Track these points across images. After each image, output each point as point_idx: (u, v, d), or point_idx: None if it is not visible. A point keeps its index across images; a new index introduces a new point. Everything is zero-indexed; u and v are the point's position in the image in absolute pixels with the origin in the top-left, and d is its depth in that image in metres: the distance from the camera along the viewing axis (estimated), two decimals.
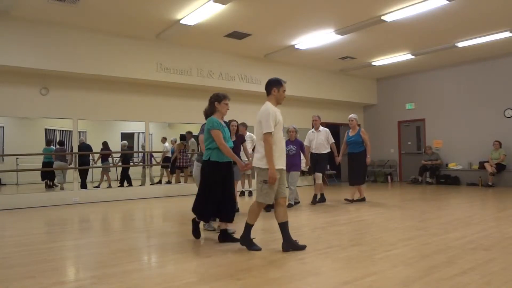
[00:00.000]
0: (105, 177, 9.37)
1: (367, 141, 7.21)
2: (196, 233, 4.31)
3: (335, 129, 13.06)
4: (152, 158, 9.89)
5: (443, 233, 4.45)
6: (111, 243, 4.26)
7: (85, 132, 9.50)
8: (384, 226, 4.90)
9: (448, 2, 6.65)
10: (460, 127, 11.17)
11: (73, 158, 8.45)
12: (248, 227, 3.80)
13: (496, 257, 3.41)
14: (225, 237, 4.16)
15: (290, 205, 6.67)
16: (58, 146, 9.13)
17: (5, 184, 9.56)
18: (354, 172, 7.33)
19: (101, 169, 9.44)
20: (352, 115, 7.45)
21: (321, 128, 7.30)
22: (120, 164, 9.81)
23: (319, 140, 7.16)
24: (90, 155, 9.28)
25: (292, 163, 6.52)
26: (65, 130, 8.93)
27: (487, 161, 10.14)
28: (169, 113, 9.37)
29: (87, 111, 8.32)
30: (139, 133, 9.77)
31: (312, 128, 7.40)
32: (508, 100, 10.24)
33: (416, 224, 5.07)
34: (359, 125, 7.39)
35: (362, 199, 7.43)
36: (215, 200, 4.06)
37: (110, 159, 9.75)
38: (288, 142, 6.69)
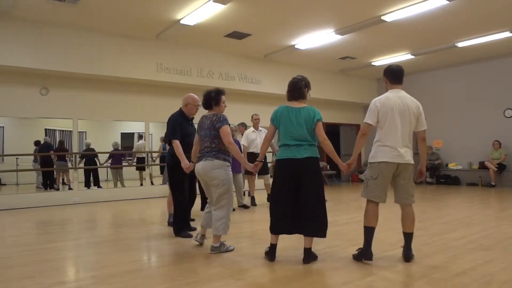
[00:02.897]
0: (65, 178, 8.92)
1: None
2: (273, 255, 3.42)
3: (336, 130, 13.08)
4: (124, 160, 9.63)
5: (443, 233, 4.45)
6: (111, 243, 4.26)
7: (85, 132, 9.49)
8: (384, 226, 4.89)
9: (448, 2, 6.65)
10: (460, 127, 11.16)
11: (71, 157, 8.45)
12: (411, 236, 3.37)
13: (496, 257, 3.41)
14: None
15: (246, 207, 6.72)
16: (35, 147, 8.81)
17: (5, 184, 9.55)
18: None
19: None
20: None
21: (260, 128, 7.14)
22: (82, 164, 9.04)
23: (262, 140, 6.93)
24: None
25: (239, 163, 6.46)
26: (65, 130, 8.90)
27: (487, 161, 10.16)
28: (169, 113, 9.20)
29: (87, 111, 8.32)
30: (139, 133, 9.72)
31: (252, 127, 7.19)
32: (508, 100, 10.24)
33: (416, 224, 5.02)
34: None
35: None
36: None
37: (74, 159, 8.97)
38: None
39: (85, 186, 8.83)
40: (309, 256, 3.30)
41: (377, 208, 3.33)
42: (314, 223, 3.24)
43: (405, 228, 3.36)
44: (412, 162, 3.28)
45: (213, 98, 3.80)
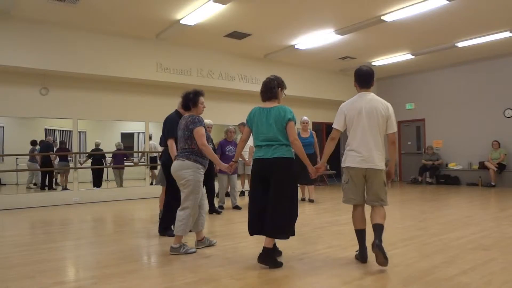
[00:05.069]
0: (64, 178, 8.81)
1: (316, 144, 7.44)
2: (276, 262, 3.23)
3: None
4: (124, 160, 9.55)
5: (443, 233, 4.46)
6: (111, 243, 4.26)
7: (85, 132, 9.47)
8: (384, 226, 4.90)
9: (448, 2, 6.65)
10: (460, 127, 11.16)
11: (73, 157, 8.44)
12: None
13: (496, 257, 3.42)
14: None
15: (238, 208, 6.66)
16: (31, 146, 8.69)
17: (5, 184, 9.53)
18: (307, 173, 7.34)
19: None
20: (307, 118, 7.46)
21: None
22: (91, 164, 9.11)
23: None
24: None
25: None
26: (65, 130, 8.89)
27: (487, 161, 10.17)
28: (169, 113, 9.34)
29: (87, 111, 8.32)
30: (139, 133, 9.71)
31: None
32: (508, 100, 10.24)
33: (416, 224, 5.07)
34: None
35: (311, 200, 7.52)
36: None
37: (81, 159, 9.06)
38: (226, 143, 6.73)
39: (94, 186, 8.87)
40: (267, 257, 3.16)
41: (362, 210, 3.32)
42: (271, 223, 3.13)
43: (373, 221, 3.18)
44: (381, 167, 3.18)
45: (191, 100, 3.78)
